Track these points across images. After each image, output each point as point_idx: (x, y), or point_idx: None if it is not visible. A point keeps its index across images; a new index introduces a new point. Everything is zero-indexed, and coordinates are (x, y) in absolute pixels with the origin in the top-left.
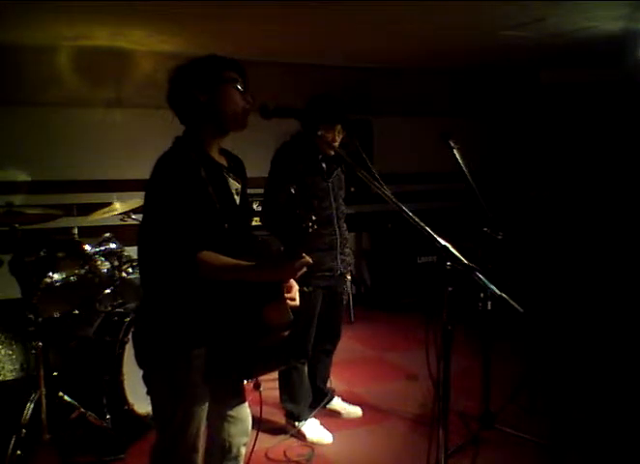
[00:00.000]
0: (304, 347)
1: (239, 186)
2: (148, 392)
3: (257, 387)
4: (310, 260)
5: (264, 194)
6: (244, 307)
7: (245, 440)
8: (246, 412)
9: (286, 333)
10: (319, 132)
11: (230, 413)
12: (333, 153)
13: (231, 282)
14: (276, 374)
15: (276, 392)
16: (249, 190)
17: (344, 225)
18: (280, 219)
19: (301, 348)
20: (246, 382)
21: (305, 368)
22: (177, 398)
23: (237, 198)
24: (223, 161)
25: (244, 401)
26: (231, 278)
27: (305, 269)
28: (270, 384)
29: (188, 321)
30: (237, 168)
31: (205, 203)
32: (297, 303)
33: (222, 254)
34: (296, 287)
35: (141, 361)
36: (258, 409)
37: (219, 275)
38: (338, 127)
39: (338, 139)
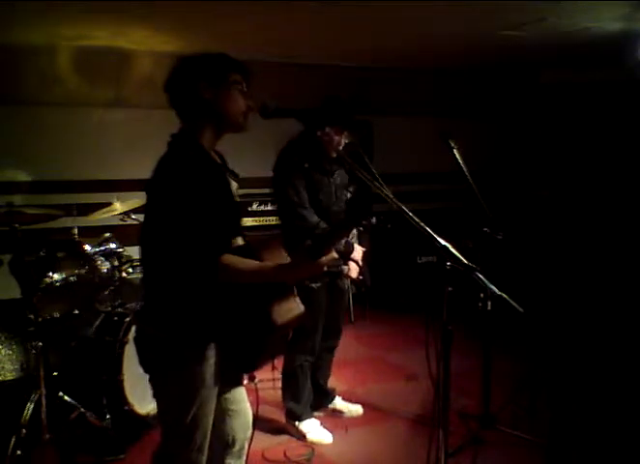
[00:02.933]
0: (312, 344)
1: (236, 184)
2: (154, 395)
3: (252, 379)
4: (336, 255)
5: (278, 195)
6: (255, 304)
7: (248, 433)
8: (246, 406)
9: (296, 326)
10: (342, 137)
11: (231, 407)
12: (335, 155)
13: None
14: (275, 374)
15: (276, 392)
16: (249, 190)
17: None
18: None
19: (309, 345)
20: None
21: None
22: (190, 401)
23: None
24: (218, 161)
25: (241, 384)
26: (254, 281)
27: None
28: (270, 384)
29: (202, 323)
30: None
31: (222, 204)
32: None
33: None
34: None
35: (149, 365)
36: (255, 405)
37: (243, 279)
38: (346, 132)
39: (343, 143)
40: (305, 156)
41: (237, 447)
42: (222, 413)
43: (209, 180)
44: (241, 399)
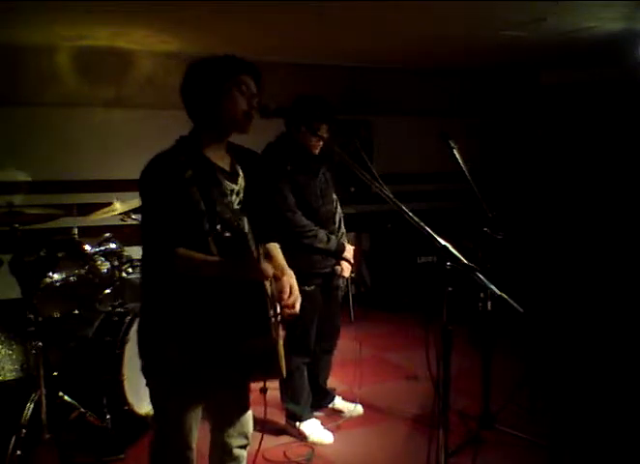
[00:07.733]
0: (307, 346)
1: (235, 186)
2: (147, 384)
3: (264, 391)
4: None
5: None
6: (232, 306)
7: (244, 442)
8: (247, 415)
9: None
10: (319, 132)
11: (232, 416)
12: (317, 152)
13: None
14: None
15: (277, 392)
16: None
17: (336, 224)
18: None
19: (304, 347)
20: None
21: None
22: (164, 395)
23: (235, 199)
24: (225, 162)
25: (247, 409)
26: (206, 274)
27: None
28: (270, 384)
29: (180, 318)
30: (243, 165)
31: (186, 203)
32: (296, 310)
33: (209, 255)
34: (296, 290)
35: (141, 353)
36: (262, 410)
37: (193, 270)
38: (325, 126)
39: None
40: (286, 158)
41: (233, 455)
42: (222, 421)
43: (175, 178)
44: (243, 409)
